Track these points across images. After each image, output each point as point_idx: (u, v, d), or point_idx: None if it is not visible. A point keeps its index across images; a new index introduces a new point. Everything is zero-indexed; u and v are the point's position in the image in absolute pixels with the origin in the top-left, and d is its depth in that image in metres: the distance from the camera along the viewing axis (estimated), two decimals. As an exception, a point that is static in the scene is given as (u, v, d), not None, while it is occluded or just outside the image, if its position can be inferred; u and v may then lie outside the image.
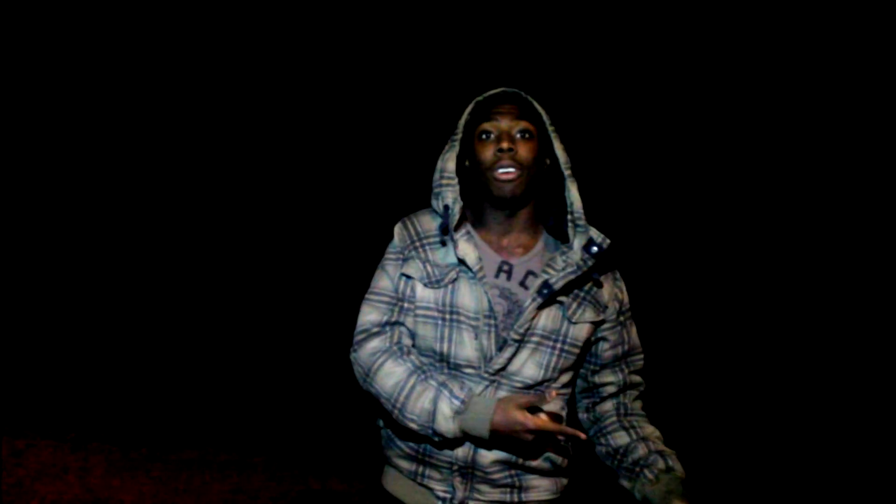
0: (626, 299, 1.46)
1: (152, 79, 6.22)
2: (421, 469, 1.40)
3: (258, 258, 6.33)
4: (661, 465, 1.38)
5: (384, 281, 1.42)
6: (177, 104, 6.30)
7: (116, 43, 6.03)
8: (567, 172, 1.39)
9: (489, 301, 1.34)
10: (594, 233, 1.38)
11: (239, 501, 3.45)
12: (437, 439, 1.33)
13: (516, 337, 1.33)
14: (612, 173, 5.79)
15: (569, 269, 1.35)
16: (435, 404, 1.32)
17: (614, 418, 1.47)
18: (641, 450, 1.41)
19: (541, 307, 1.35)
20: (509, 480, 1.37)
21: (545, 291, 1.34)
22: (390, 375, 1.36)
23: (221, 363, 5.46)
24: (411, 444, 1.39)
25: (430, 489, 1.39)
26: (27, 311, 5.81)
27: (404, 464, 1.42)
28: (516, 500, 1.38)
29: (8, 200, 6.14)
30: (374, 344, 1.39)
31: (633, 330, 1.48)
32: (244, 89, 6.24)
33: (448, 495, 1.37)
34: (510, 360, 1.34)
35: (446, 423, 1.31)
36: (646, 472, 1.39)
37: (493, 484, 1.36)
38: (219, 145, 6.41)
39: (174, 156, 6.43)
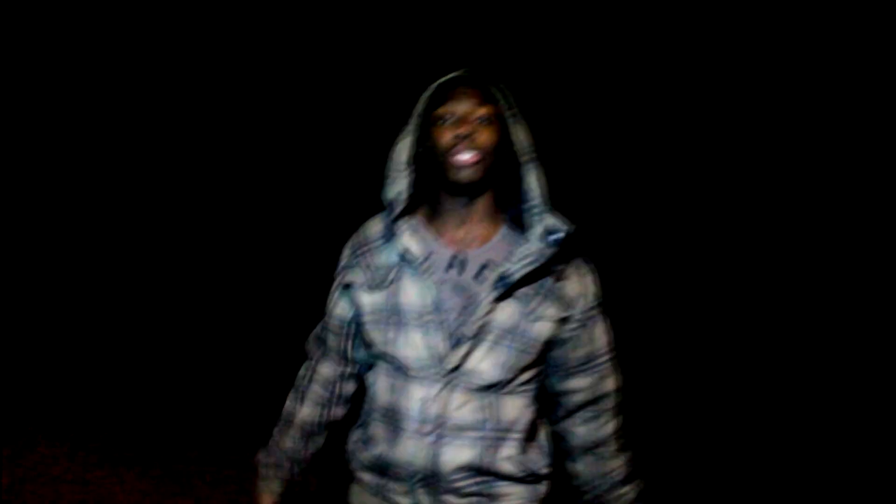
0: (593, 294, 1.34)
1: (152, 79, 6.22)
2: (384, 482, 1.34)
3: (259, 256, 6.32)
4: None
5: (330, 305, 1.46)
6: (175, 104, 6.30)
7: (116, 43, 6.03)
8: (525, 158, 1.30)
9: (435, 295, 1.27)
10: (554, 219, 1.28)
11: (239, 502, 3.43)
12: None
13: (470, 333, 1.25)
14: (615, 165, 5.77)
15: (526, 261, 1.25)
16: (269, 444, 1.50)
17: (580, 443, 1.39)
18: (599, 486, 1.39)
19: (498, 301, 1.26)
20: (477, 489, 1.29)
21: (500, 285, 1.25)
22: (288, 406, 1.52)
23: (222, 363, 5.45)
24: (373, 453, 1.34)
25: (396, 503, 1.33)
26: (26, 311, 5.80)
27: (367, 476, 1.37)
28: None
29: (7, 201, 6.13)
30: (303, 369, 1.52)
31: (600, 328, 1.36)
32: (243, 89, 6.23)
33: None
34: (465, 358, 1.26)
35: (260, 458, 1.50)
36: None
37: (460, 493, 1.28)
38: (216, 145, 6.41)
39: (169, 157, 6.43)
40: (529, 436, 1.33)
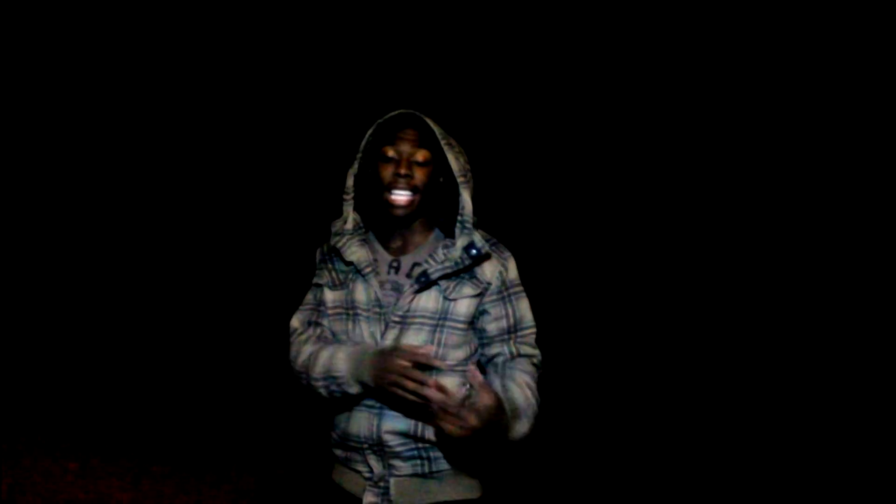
0: (511, 275, 1.55)
1: (152, 79, 6.22)
2: (346, 454, 1.54)
3: (258, 261, 6.33)
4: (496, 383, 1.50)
5: (308, 295, 1.65)
6: (175, 106, 6.30)
7: (116, 43, 6.03)
8: (460, 180, 1.54)
9: (376, 293, 1.51)
10: (477, 237, 1.53)
11: (239, 502, 3.44)
12: (339, 394, 1.48)
13: (396, 319, 1.49)
14: (610, 171, 5.80)
15: (447, 264, 1.50)
16: (332, 355, 1.50)
17: (493, 368, 1.56)
18: (496, 382, 1.51)
19: (420, 292, 1.50)
20: (416, 452, 1.48)
21: (423, 279, 1.49)
22: (302, 353, 1.56)
23: (221, 364, 5.46)
24: (337, 430, 1.54)
25: (358, 472, 1.52)
26: (26, 314, 5.81)
27: (338, 452, 1.56)
28: (428, 470, 1.49)
29: (7, 204, 6.14)
30: (295, 338, 1.60)
31: (522, 304, 1.56)
32: (242, 91, 6.24)
33: (370, 474, 1.50)
34: (396, 340, 1.48)
35: (342, 364, 1.47)
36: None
37: (402, 458, 1.48)
38: (217, 153, 6.42)
39: (170, 166, 6.44)
40: None
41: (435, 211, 1.61)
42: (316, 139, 6.20)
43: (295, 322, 1.64)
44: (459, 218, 1.55)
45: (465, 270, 1.51)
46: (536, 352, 1.56)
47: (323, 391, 1.50)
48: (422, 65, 5.68)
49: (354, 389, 1.45)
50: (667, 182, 5.79)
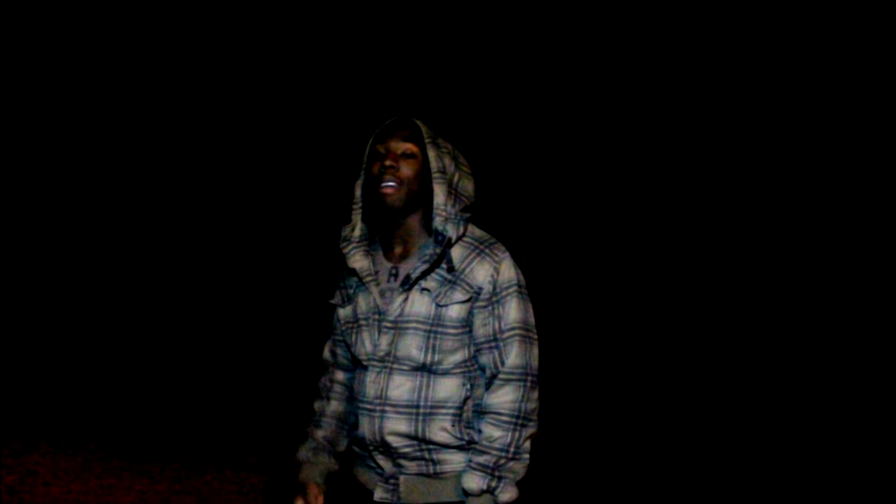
0: (503, 277, 1.54)
1: (152, 79, 6.22)
2: (362, 451, 1.59)
3: (258, 265, 6.33)
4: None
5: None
6: (176, 105, 6.30)
7: (116, 43, 6.03)
8: (435, 176, 1.55)
9: (375, 301, 1.54)
10: (438, 224, 1.53)
11: (239, 501, 3.44)
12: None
13: (388, 325, 1.52)
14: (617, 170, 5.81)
15: (422, 261, 1.52)
16: (305, 438, 1.69)
17: (481, 407, 1.54)
18: (483, 451, 1.50)
19: (410, 296, 1.52)
20: (419, 454, 1.51)
21: (406, 283, 1.51)
22: (313, 402, 1.73)
23: (220, 364, 5.46)
24: (352, 431, 1.60)
25: (372, 468, 1.58)
26: (28, 315, 5.81)
27: (355, 448, 1.63)
28: (433, 471, 1.52)
29: (8, 205, 6.14)
30: (322, 379, 1.74)
31: (510, 304, 1.54)
32: (242, 92, 6.23)
33: (381, 472, 1.55)
34: (391, 345, 1.52)
35: (298, 453, 1.69)
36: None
37: (407, 458, 1.52)
38: (222, 153, 6.42)
39: (172, 165, 6.43)
40: (467, 410, 1.53)
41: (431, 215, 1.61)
42: (319, 144, 6.20)
43: (325, 352, 1.73)
44: (433, 213, 1.54)
45: (438, 263, 1.51)
46: (521, 361, 1.51)
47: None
48: (435, 71, 5.68)
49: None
50: (666, 182, 5.80)
